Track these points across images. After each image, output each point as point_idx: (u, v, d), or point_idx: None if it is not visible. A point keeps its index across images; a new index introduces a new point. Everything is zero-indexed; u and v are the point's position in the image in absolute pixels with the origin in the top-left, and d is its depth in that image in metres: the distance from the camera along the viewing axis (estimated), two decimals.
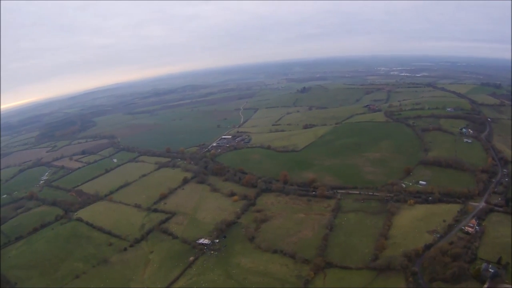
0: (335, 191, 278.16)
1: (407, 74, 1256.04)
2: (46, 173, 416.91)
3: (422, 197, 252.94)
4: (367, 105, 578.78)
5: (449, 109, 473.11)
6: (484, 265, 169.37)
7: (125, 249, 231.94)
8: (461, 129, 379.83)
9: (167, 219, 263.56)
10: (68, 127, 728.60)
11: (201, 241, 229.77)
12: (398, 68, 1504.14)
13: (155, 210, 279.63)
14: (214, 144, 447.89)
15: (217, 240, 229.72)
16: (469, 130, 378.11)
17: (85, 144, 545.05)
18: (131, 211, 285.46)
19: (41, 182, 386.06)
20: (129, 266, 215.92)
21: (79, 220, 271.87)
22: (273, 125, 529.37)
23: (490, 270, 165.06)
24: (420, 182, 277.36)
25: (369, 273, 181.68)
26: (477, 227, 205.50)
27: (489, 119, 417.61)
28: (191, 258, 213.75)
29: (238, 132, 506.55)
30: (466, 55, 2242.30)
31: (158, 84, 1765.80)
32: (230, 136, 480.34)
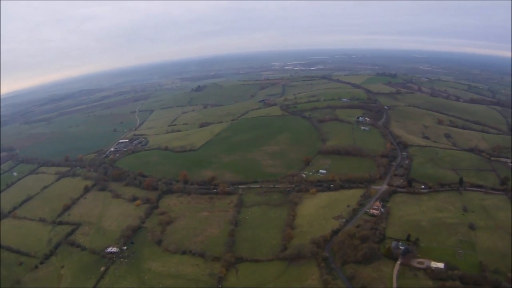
0: (236, 186, 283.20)
1: (302, 68, 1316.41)
2: None
3: (323, 185, 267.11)
4: (262, 100, 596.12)
5: (344, 99, 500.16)
6: (393, 243, 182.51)
7: (36, 266, 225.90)
8: (357, 118, 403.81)
9: (73, 231, 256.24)
10: None
11: (109, 249, 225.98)
12: (293, 63, 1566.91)
13: (60, 223, 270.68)
14: (112, 149, 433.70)
15: (125, 247, 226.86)
16: (366, 118, 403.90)
17: None
18: (36, 226, 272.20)
19: None
20: (42, 284, 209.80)
21: None
22: (169, 125, 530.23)
23: (401, 247, 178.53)
24: (320, 171, 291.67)
25: (280, 264, 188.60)
26: (382, 208, 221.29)
27: (385, 107, 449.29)
28: (102, 268, 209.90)
29: (135, 135, 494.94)
30: (362, 47, 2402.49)
31: (56, 89, 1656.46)
32: (127, 140, 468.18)
